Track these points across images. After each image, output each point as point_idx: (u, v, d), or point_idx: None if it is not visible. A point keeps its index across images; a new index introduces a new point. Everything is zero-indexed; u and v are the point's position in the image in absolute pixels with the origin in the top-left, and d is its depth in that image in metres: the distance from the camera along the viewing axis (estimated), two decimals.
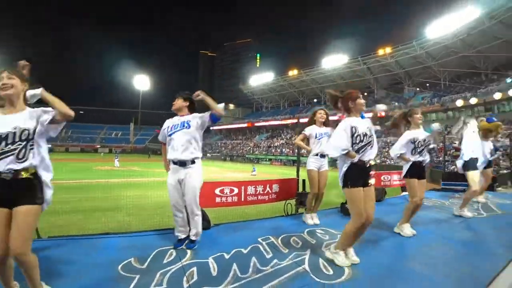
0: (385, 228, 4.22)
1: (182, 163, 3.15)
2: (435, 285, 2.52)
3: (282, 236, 3.66)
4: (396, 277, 2.66)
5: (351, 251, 2.95)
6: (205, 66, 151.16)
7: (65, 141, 67.09)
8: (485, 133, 5.91)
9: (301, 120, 5.69)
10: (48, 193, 2.01)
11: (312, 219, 4.39)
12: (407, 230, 3.87)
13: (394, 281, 2.59)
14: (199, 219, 3.27)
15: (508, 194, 7.72)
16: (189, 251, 3.09)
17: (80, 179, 14.61)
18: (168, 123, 3.34)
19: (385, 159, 33.08)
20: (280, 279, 2.50)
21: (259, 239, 3.51)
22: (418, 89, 44.96)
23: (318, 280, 2.52)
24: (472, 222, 4.63)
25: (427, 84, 44.67)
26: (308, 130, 4.46)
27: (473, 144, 5.27)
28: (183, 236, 3.31)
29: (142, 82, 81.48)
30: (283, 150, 48.24)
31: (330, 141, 2.99)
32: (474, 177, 5.02)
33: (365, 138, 2.86)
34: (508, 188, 9.35)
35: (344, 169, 2.88)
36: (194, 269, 2.66)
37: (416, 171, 3.99)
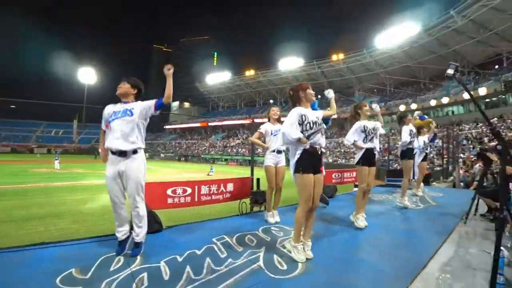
0: (337, 222, 4.43)
1: (122, 153, 2.90)
2: (379, 271, 2.72)
3: (237, 235, 3.65)
4: (347, 267, 2.81)
5: (308, 246, 3.06)
6: (159, 61, 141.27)
7: None
8: (418, 129, 6.75)
9: (256, 121, 5.76)
10: None
11: (273, 216, 4.45)
12: (360, 222, 4.11)
13: (345, 271, 2.72)
14: (141, 214, 3.03)
15: (441, 188, 8.81)
16: (139, 256, 2.90)
17: (14, 184, 12.78)
18: (110, 108, 3.05)
19: (337, 158, 34.64)
20: (235, 278, 2.49)
21: (214, 239, 3.46)
22: (367, 93, 47.69)
23: (272, 276, 2.55)
24: (411, 214, 5.12)
25: (375, 90, 48.08)
26: (263, 128, 4.52)
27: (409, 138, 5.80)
28: (124, 236, 3.04)
29: (87, 75, 71.79)
30: (239, 150, 48.33)
31: (282, 131, 3.04)
32: (408, 166, 5.72)
33: (314, 125, 2.99)
34: (441, 183, 10.51)
35: (297, 156, 2.98)
36: (145, 274, 2.51)
37: (368, 158, 4.29)
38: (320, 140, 3.06)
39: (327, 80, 50.71)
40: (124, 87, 3.08)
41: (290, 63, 50.85)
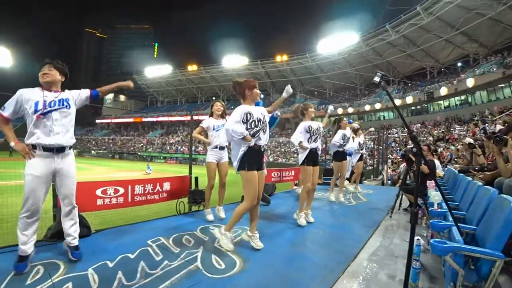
0: (275, 220, 4.55)
1: (60, 150, 2.60)
2: (315, 264, 2.87)
3: (173, 236, 3.56)
4: (283, 263, 2.91)
5: (256, 238, 3.22)
6: (91, 47, 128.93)
7: None
8: (355, 131, 7.40)
9: (198, 118, 5.66)
10: None
11: (218, 212, 4.51)
12: (302, 219, 4.24)
13: (282, 266, 2.82)
14: (77, 214, 2.89)
15: (372, 185, 9.60)
16: (62, 265, 2.63)
17: None
18: (33, 95, 2.55)
19: (277, 157, 35.56)
20: (171, 280, 2.42)
21: (149, 242, 3.32)
22: (308, 96, 49.53)
23: (210, 275, 2.54)
24: (344, 209, 5.46)
25: (316, 92, 49.87)
26: (205, 123, 4.43)
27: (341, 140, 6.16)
28: (30, 251, 2.56)
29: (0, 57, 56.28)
30: (179, 148, 47.14)
31: (227, 127, 3.05)
32: (338, 167, 6.11)
33: (259, 123, 3.05)
34: (372, 181, 11.37)
35: (241, 153, 3.02)
36: (69, 284, 2.28)
37: (312, 158, 4.43)
38: (263, 137, 3.13)
39: (270, 80, 51.60)
40: (52, 73, 2.63)
41: (234, 60, 50.44)
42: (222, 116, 4.55)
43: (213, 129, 4.39)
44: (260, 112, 3.15)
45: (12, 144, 2.52)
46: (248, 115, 3.03)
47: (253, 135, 3.01)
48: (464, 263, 1.92)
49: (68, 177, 2.69)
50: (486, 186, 2.67)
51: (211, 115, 4.54)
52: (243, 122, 3.01)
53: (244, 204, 3.08)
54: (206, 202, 4.50)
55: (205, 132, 4.50)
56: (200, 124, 4.47)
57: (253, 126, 3.02)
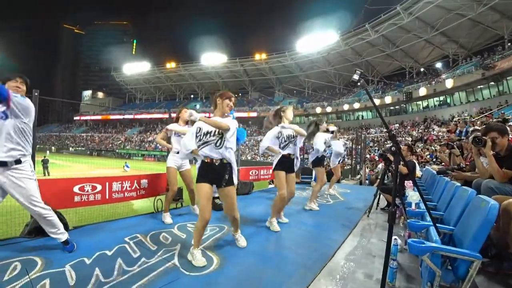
0: (252, 219, 4.52)
1: (2, 164, 2.51)
2: (292, 264, 2.87)
3: (151, 233, 3.53)
4: (261, 262, 2.89)
5: (239, 237, 3.27)
6: (69, 44, 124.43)
7: None
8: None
9: (174, 115, 5.55)
10: None
11: (192, 211, 4.52)
12: (275, 225, 4.03)
13: (259, 265, 2.81)
14: (46, 215, 2.74)
15: (349, 185, 9.62)
16: (39, 261, 2.61)
17: None
18: None
19: (255, 155, 35.54)
20: (148, 277, 2.41)
21: (126, 239, 3.29)
22: (286, 94, 49.80)
23: (187, 273, 2.53)
24: (322, 209, 5.39)
25: (294, 91, 50.16)
26: (170, 127, 4.31)
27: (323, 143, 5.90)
28: None
29: None
30: (157, 145, 46.48)
31: (182, 141, 3.04)
32: (321, 172, 5.68)
33: (205, 136, 2.92)
34: (349, 180, 11.56)
35: (197, 165, 3.01)
36: (47, 281, 2.26)
37: (284, 164, 4.13)
38: (211, 151, 2.93)
39: (249, 78, 51.67)
40: (23, 88, 2.68)
41: (213, 58, 50.23)
42: (187, 122, 4.42)
43: (175, 134, 4.29)
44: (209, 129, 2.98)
45: None
46: (198, 129, 2.95)
47: (198, 147, 2.97)
48: (442, 263, 1.94)
49: (15, 191, 2.57)
50: (464, 187, 2.70)
51: (177, 120, 4.43)
52: (196, 135, 2.95)
53: (198, 220, 2.89)
54: (165, 205, 4.30)
55: (168, 137, 4.39)
56: (166, 127, 4.34)
57: (200, 139, 2.94)
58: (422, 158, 14.05)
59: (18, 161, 2.56)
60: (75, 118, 72.31)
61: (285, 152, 4.17)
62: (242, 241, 3.25)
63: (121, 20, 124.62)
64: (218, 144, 2.92)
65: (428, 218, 2.44)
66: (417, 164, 5.88)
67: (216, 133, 2.93)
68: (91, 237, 3.38)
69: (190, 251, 2.88)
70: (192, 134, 2.93)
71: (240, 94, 53.92)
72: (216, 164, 2.93)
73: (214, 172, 2.94)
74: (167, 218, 4.19)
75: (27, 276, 2.34)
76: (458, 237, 2.20)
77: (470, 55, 30.91)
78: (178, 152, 4.17)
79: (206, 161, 2.93)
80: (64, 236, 2.87)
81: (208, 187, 2.90)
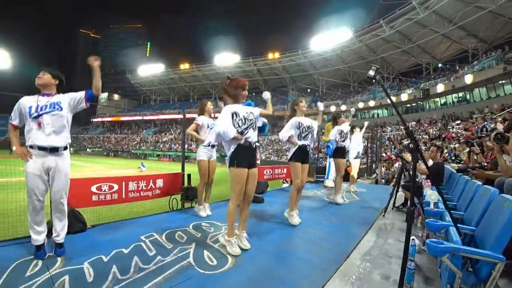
0: (268, 218, 4.53)
1: (54, 150, 2.71)
2: (307, 263, 2.86)
3: (166, 232, 3.57)
4: (276, 260, 2.90)
5: (243, 237, 3.15)
6: (86, 48, 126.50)
7: None
8: (351, 129, 7.16)
9: (190, 116, 5.68)
10: None
11: (205, 210, 4.45)
12: (295, 219, 4.17)
13: (274, 264, 2.81)
14: (66, 213, 2.92)
15: (365, 184, 9.46)
16: (59, 258, 2.70)
17: None
18: (29, 101, 2.74)
19: (270, 155, 35.51)
20: (164, 275, 2.44)
21: (142, 237, 3.34)
22: (300, 93, 49.31)
23: (202, 271, 2.55)
24: (337, 208, 5.39)
25: (308, 90, 49.77)
26: (200, 120, 4.47)
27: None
28: (43, 240, 2.80)
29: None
30: (172, 146, 46.97)
31: (215, 130, 3.08)
32: (339, 164, 5.93)
33: (246, 121, 3.07)
34: (364, 180, 11.34)
35: (232, 150, 3.04)
36: (66, 277, 2.34)
37: (301, 155, 4.28)
38: (252, 134, 3.11)
39: (262, 78, 51.45)
40: (45, 77, 2.82)
41: (226, 58, 50.13)
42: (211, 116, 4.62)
43: (207, 127, 4.44)
44: (246, 111, 3.15)
45: (13, 148, 2.90)
46: (235, 114, 3.04)
47: (241, 133, 3.02)
48: (462, 265, 1.87)
49: (59, 176, 2.75)
50: (486, 186, 2.62)
51: (203, 113, 4.57)
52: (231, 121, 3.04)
53: (230, 203, 3.10)
54: (199, 199, 4.50)
55: (199, 130, 4.51)
56: (195, 121, 4.47)
57: (240, 124, 3.03)
58: (440, 157, 13.75)
59: (65, 147, 2.83)
60: (92, 119, 73.42)
61: (303, 142, 4.32)
62: (246, 243, 3.17)
63: (135, 23, 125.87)
64: (254, 128, 3.15)
65: (448, 218, 2.37)
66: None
67: (253, 117, 3.16)
68: (108, 235, 3.45)
69: (225, 239, 3.09)
70: (227, 122, 3.00)
71: (253, 94, 53.93)
72: (253, 146, 3.14)
73: (251, 155, 3.14)
74: (201, 211, 4.40)
75: (48, 273, 2.42)
76: (479, 237, 2.14)
77: (491, 49, 29.44)
78: (208, 145, 4.39)
79: (245, 145, 3.04)
80: (61, 239, 2.89)
81: (247, 171, 3.09)
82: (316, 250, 3.25)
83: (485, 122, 10.33)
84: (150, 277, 2.39)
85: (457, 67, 31.84)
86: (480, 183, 2.99)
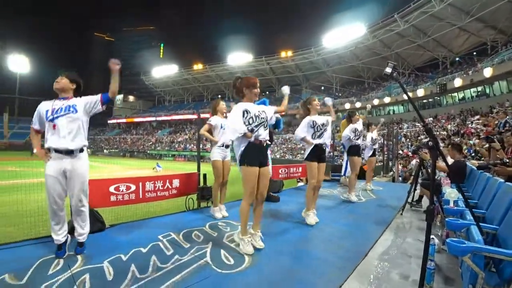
0: (283, 216, 4.52)
1: (69, 152, 2.76)
2: (324, 262, 2.85)
3: (183, 231, 3.60)
4: (293, 260, 2.89)
5: (257, 236, 3.14)
6: (101, 51, 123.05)
7: None
8: (367, 126, 7.46)
9: (204, 116, 5.72)
10: None
11: (220, 211, 4.45)
12: (311, 218, 4.13)
13: (291, 263, 2.80)
14: (86, 214, 2.97)
15: (381, 182, 9.32)
16: (79, 257, 2.77)
17: None
18: (46, 106, 2.82)
19: (284, 154, 35.38)
20: (181, 274, 2.46)
21: (159, 237, 3.38)
22: (314, 91, 48.92)
23: (219, 271, 2.56)
24: (353, 207, 5.35)
25: (322, 88, 49.36)
26: (213, 120, 4.45)
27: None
28: (64, 238, 2.88)
29: (19, 63, 63.52)
30: (187, 145, 47.39)
31: (228, 126, 3.11)
32: (354, 162, 5.99)
33: (257, 119, 3.05)
34: (381, 178, 11.16)
35: (242, 148, 3.04)
36: (87, 276, 2.40)
37: (317, 154, 4.25)
38: (263, 133, 3.10)
39: (275, 76, 51.36)
40: (62, 81, 2.88)
41: (239, 58, 50.32)
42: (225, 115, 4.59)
43: (221, 127, 4.42)
44: (258, 109, 3.14)
45: (34, 150, 2.94)
46: (246, 112, 3.04)
47: (251, 131, 3.02)
48: (485, 265, 1.82)
49: (75, 178, 2.80)
50: (508, 183, 2.55)
51: (215, 113, 4.56)
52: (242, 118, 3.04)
53: (243, 202, 3.10)
54: (214, 200, 4.49)
55: (212, 130, 4.51)
56: (208, 122, 4.47)
57: (251, 122, 3.02)
58: (460, 154, 13.38)
59: (81, 150, 2.86)
60: (109, 121, 74.66)
61: (319, 141, 4.28)
62: (260, 243, 3.15)
63: (148, 25, 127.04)
64: (265, 126, 3.14)
65: (468, 217, 2.31)
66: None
67: (265, 115, 3.15)
68: (126, 235, 3.50)
69: (239, 237, 3.15)
70: (237, 119, 3.00)
71: (267, 92, 53.85)
72: (264, 145, 3.13)
73: (262, 154, 3.13)
74: (216, 212, 4.39)
75: (69, 271, 2.48)
76: (502, 237, 2.08)
77: (511, 40, 28.45)
78: (222, 145, 4.38)
79: (256, 143, 3.04)
80: (85, 238, 2.98)
81: (259, 170, 3.08)
82: (333, 249, 3.22)
83: (507, 117, 9.95)
84: (168, 276, 2.42)
85: (476, 60, 30.91)
86: (502, 180, 2.91)
